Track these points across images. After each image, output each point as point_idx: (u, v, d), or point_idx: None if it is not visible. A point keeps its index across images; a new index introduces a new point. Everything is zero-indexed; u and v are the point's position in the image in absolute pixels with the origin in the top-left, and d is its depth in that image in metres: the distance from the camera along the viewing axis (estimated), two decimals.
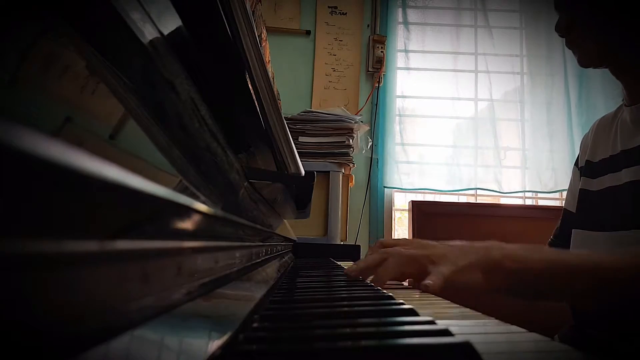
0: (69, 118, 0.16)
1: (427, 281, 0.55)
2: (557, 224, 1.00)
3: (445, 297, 0.53)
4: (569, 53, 0.83)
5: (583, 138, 0.96)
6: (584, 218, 0.84)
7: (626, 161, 0.77)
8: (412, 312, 0.36)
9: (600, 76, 2.19)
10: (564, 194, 1.98)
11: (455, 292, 0.55)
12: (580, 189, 0.87)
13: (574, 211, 0.94)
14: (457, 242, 0.63)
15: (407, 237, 0.89)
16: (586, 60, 0.79)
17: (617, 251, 0.60)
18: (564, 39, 0.81)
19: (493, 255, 0.58)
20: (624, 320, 0.68)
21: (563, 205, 0.99)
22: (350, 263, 1.06)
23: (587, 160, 0.88)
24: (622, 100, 0.85)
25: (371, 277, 0.63)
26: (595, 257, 0.58)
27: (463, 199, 2.41)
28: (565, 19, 0.79)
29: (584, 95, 2.28)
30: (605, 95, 2.19)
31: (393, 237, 2.28)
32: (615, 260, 0.56)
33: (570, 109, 2.27)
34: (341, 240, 1.85)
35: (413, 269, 0.60)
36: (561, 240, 0.98)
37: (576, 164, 0.97)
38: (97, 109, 0.19)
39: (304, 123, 1.85)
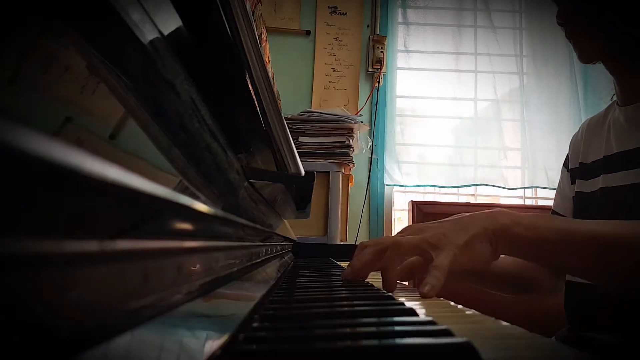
0: (69, 118, 0.16)
1: (425, 287, 0.50)
2: None
3: (447, 287, 0.50)
4: (574, 53, 0.81)
5: (572, 138, 0.94)
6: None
7: (622, 163, 0.75)
8: (412, 312, 0.36)
9: (606, 76, 2.19)
10: None
11: (459, 277, 0.51)
12: (576, 192, 0.86)
13: (565, 215, 0.93)
14: (457, 216, 0.59)
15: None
16: (587, 53, 0.75)
17: (630, 222, 0.55)
18: (565, 30, 0.76)
19: (501, 221, 0.54)
20: (623, 322, 0.68)
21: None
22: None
23: (580, 163, 0.86)
24: (611, 99, 0.83)
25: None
26: (610, 226, 0.55)
27: (463, 199, 2.41)
28: (571, 6, 0.75)
29: (590, 96, 2.28)
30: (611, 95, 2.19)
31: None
32: (630, 229, 0.53)
33: (579, 108, 2.27)
34: (341, 240, 1.85)
35: (415, 258, 0.56)
36: None
37: (565, 164, 0.94)
38: (97, 109, 0.19)
39: (304, 123, 1.85)
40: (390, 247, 0.56)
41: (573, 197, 0.89)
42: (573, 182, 0.89)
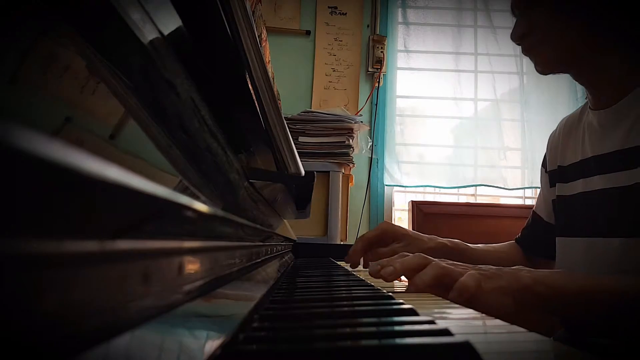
0: (69, 118, 0.16)
1: (461, 283, 0.55)
2: (527, 221, 1.00)
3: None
4: None
5: (550, 137, 0.94)
6: (564, 225, 0.84)
7: (598, 167, 0.76)
8: (412, 312, 0.36)
9: None
10: None
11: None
12: (557, 195, 0.86)
13: (544, 217, 0.94)
14: (485, 267, 0.63)
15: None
16: (546, 66, 0.78)
17: None
18: (522, 47, 0.79)
19: (524, 282, 0.58)
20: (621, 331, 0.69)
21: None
22: None
23: (559, 166, 0.87)
24: (586, 98, 0.83)
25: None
26: (625, 283, 0.59)
27: (463, 199, 2.41)
28: (523, 23, 0.77)
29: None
30: None
31: None
32: None
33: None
34: (341, 240, 1.84)
35: (446, 283, 0.60)
36: (527, 240, 0.98)
37: (544, 165, 0.95)
38: (97, 109, 0.19)
39: (304, 123, 1.85)
40: (431, 266, 0.61)
41: (553, 200, 0.89)
42: (552, 185, 0.90)
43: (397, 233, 0.94)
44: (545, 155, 0.95)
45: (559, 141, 0.89)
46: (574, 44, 0.73)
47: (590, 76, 0.76)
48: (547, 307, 0.59)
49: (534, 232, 0.98)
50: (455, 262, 0.64)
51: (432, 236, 0.95)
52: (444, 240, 0.94)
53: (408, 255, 0.64)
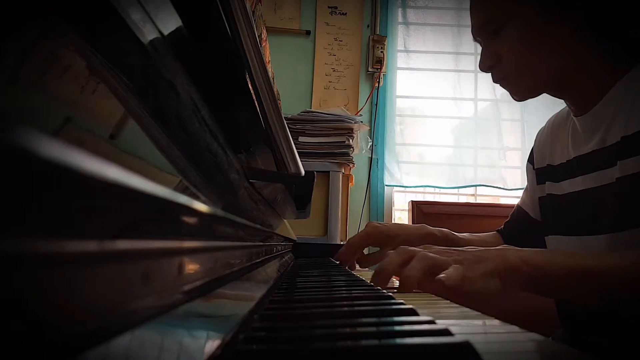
0: (69, 118, 0.16)
1: (446, 274, 0.54)
2: (511, 214, 1.01)
3: (453, 300, 0.52)
4: None
5: (538, 134, 0.94)
6: (555, 223, 0.84)
7: (582, 167, 0.77)
8: (412, 312, 0.36)
9: None
10: None
11: (468, 297, 0.54)
12: (547, 194, 0.87)
13: (530, 212, 0.94)
14: (470, 249, 0.62)
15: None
16: (523, 94, 0.77)
17: (630, 253, 0.60)
18: (492, 75, 0.78)
19: (510, 261, 0.57)
20: (615, 326, 0.69)
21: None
22: None
23: (548, 164, 0.88)
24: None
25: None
26: (610, 260, 0.58)
27: (463, 199, 2.41)
28: (490, 53, 0.76)
29: None
30: None
31: None
32: (628, 265, 0.56)
33: None
34: (341, 240, 1.84)
35: (435, 273, 0.58)
36: (510, 234, 0.99)
37: (530, 160, 0.95)
38: (97, 109, 0.19)
39: (304, 123, 1.85)
40: (416, 258, 0.59)
41: (540, 197, 0.89)
42: (539, 182, 0.90)
43: (382, 235, 0.95)
44: (532, 151, 0.95)
45: (547, 139, 0.89)
46: (559, 66, 0.73)
47: (569, 90, 0.76)
48: (535, 287, 0.58)
49: (518, 226, 0.98)
50: (442, 248, 0.63)
51: (422, 225, 0.96)
52: (434, 229, 0.94)
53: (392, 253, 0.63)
